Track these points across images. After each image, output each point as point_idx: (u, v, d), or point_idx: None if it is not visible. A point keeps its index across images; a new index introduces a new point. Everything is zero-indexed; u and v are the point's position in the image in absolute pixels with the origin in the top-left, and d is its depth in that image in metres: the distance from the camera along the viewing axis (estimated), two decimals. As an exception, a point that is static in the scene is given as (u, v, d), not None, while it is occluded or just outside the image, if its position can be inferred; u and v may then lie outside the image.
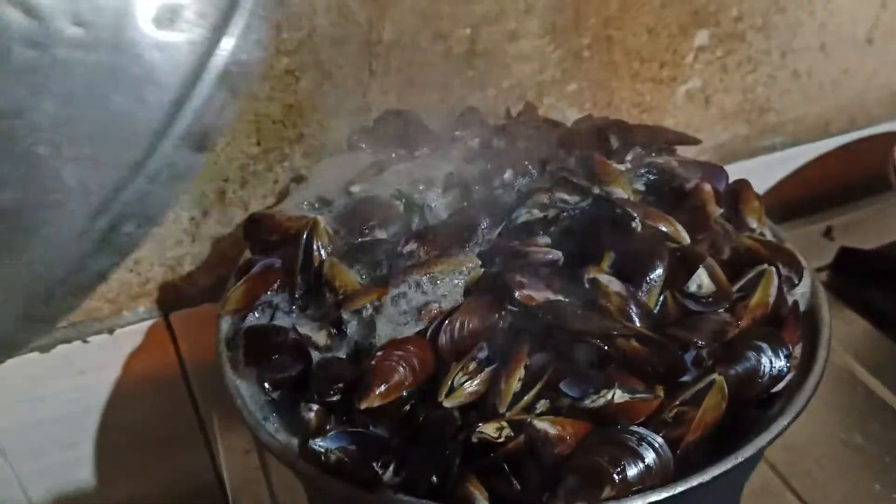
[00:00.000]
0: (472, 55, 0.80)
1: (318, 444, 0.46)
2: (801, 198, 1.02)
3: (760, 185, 1.01)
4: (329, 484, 0.45)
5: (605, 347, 0.46)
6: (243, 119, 0.74)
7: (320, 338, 0.51)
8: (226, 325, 0.56)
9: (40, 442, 0.82)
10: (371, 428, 0.47)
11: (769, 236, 0.62)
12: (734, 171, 0.97)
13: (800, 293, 0.57)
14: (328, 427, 0.47)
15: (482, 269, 0.51)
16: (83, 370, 0.79)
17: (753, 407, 0.49)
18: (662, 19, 0.86)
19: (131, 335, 0.80)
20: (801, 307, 0.56)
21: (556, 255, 0.51)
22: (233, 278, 0.59)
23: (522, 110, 0.73)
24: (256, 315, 0.55)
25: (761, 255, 0.56)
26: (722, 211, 0.61)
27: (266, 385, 0.50)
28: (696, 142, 0.65)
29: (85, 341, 0.78)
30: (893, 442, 0.74)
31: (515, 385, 0.44)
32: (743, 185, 0.62)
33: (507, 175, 0.58)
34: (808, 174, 1.03)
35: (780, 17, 0.91)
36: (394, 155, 0.63)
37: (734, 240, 0.58)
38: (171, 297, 0.80)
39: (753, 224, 0.59)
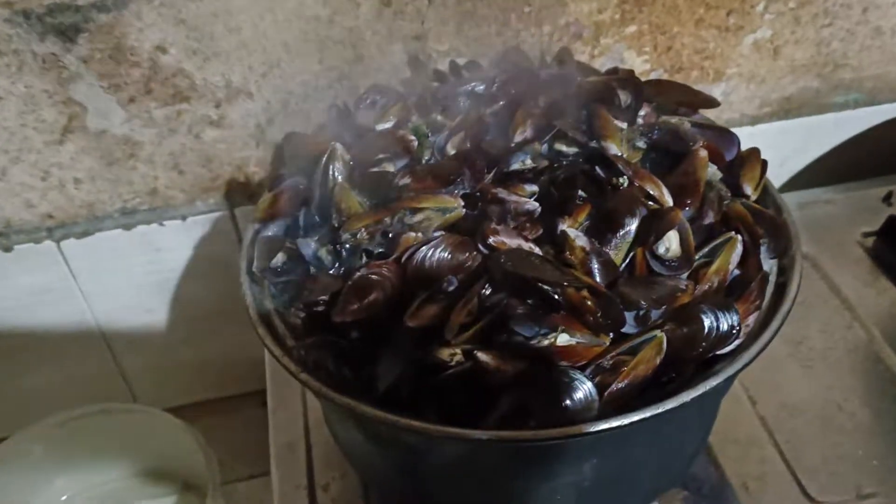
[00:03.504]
0: (529, -9, 0.82)
1: (301, 348, 0.54)
2: (867, 159, 1.00)
3: (825, 142, 1.00)
4: (306, 382, 0.53)
5: (555, 296, 0.51)
6: (307, 38, 0.80)
7: (322, 254, 0.58)
8: (252, 230, 0.64)
9: (123, 306, 0.94)
10: (345, 337, 0.54)
11: (772, 205, 0.64)
12: (801, 126, 0.98)
13: (781, 266, 0.59)
14: (311, 333, 0.55)
15: (464, 211, 0.56)
16: (159, 248, 0.91)
17: (694, 366, 0.53)
18: (732, -34, 0.85)
19: (202, 223, 0.90)
20: (781, 277, 0.59)
21: (533, 205, 0.55)
22: (266, 189, 0.67)
23: (557, 55, 0.76)
24: (276, 226, 0.63)
25: (746, 223, 0.59)
26: (722, 176, 0.63)
27: (270, 288, 0.58)
28: (713, 104, 0.67)
29: (161, 224, 0.89)
30: (889, 412, 0.76)
31: (464, 317, 0.50)
32: (751, 152, 0.64)
33: (516, 124, 0.61)
34: (879, 135, 1.00)
35: (865, -29, 0.88)
36: (424, 95, 0.67)
37: (727, 205, 0.61)
38: (238, 193, 0.89)
39: (749, 191, 0.61)
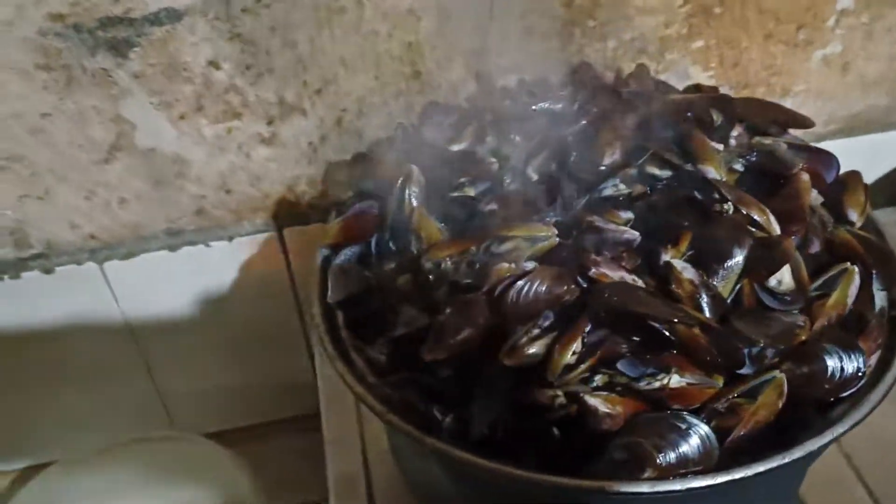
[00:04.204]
0: (594, 5, 0.79)
1: (385, 385, 0.50)
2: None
3: (892, 161, 0.96)
4: (393, 423, 0.49)
5: (666, 333, 0.47)
6: (364, 54, 0.77)
7: (401, 282, 0.55)
8: (321, 256, 0.60)
9: (165, 329, 0.91)
10: (434, 375, 0.50)
11: (874, 231, 0.60)
12: (866, 143, 0.94)
13: (890, 297, 0.55)
14: (396, 369, 0.51)
15: (557, 239, 0.52)
16: (204, 270, 0.87)
17: (816, 409, 0.49)
18: (806, -21, 0.81)
19: (248, 244, 0.87)
20: (891, 310, 0.55)
21: (633, 235, 0.52)
22: (333, 213, 0.64)
23: (634, 72, 0.72)
24: (349, 253, 0.59)
25: (854, 252, 0.55)
26: (823, 201, 0.60)
27: (342, 321, 0.54)
28: (809, 124, 0.63)
29: (208, 245, 0.85)
30: None
31: (568, 357, 0.47)
32: (852, 175, 0.61)
33: (603, 145, 0.58)
34: (949, 154, 0.96)
35: (942, -16, 0.84)
36: (497, 114, 0.64)
37: (830, 232, 0.57)
38: (286, 214, 0.86)
39: (854, 217, 0.58)
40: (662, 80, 0.75)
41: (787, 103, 0.90)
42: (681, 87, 0.85)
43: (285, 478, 0.95)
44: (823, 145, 0.92)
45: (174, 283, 0.87)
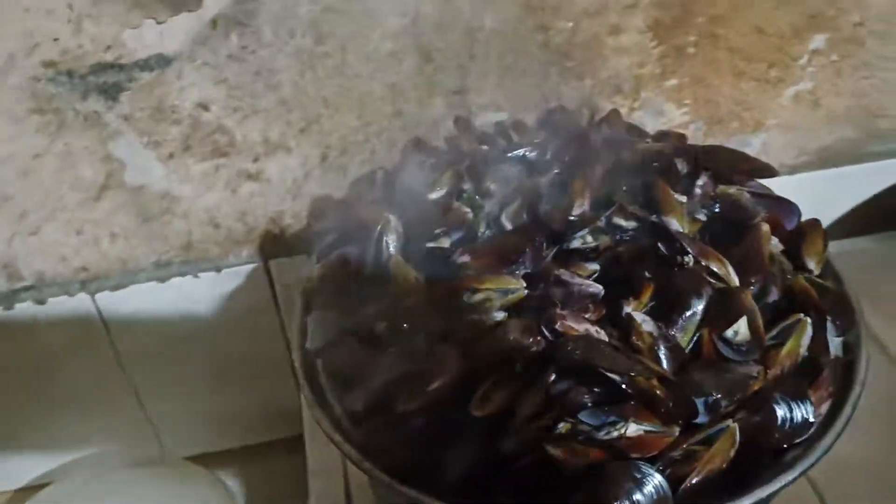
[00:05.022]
0: (570, 46, 0.81)
1: (362, 432, 0.53)
2: (905, 209, 0.99)
3: (863, 192, 0.99)
4: (369, 471, 0.51)
5: (624, 386, 0.49)
6: (347, 94, 0.79)
7: (379, 329, 0.57)
8: (300, 303, 0.63)
9: (154, 357, 0.93)
10: (409, 423, 0.53)
11: (832, 276, 0.63)
12: (837, 175, 0.97)
13: (845, 342, 0.58)
14: (373, 417, 0.54)
15: (526, 292, 0.55)
16: (193, 300, 0.90)
17: (769, 455, 0.52)
18: (774, 21, 0.84)
19: (235, 275, 0.89)
20: (846, 356, 0.58)
21: (597, 288, 0.54)
22: (315, 256, 0.66)
23: (606, 117, 0.75)
24: (328, 298, 0.61)
25: (811, 300, 0.58)
26: (783, 248, 0.62)
27: (322, 366, 0.57)
28: (773, 173, 0.66)
29: (196, 276, 0.88)
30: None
31: (533, 407, 0.49)
32: (812, 224, 0.63)
33: (573, 195, 0.60)
34: (917, 184, 0.99)
35: (906, 25, 0.87)
36: (475, 160, 0.66)
37: (790, 279, 0.60)
38: (272, 246, 0.88)
39: (811, 266, 0.61)
40: (634, 123, 0.78)
41: (760, 137, 0.92)
42: (656, 123, 0.89)
43: (271, 498, 0.98)
44: (797, 177, 0.97)
45: (163, 312, 0.90)
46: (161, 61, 0.73)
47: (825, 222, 0.99)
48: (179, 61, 0.73)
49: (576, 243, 0.58)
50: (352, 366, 0.56)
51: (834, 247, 0.98)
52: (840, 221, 1.00)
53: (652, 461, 0.49)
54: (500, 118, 0.83)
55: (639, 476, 0.48)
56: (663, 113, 0.88)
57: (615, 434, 0.49)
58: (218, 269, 0.88)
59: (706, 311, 0.55)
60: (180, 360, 0.94)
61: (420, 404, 0.52)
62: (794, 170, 0.96)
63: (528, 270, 0.56)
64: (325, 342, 0.58)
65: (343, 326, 0.58)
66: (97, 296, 0.87)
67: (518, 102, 0.84)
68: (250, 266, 0.89)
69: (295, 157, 0.82)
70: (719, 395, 0.50)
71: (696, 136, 0.91)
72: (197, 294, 0.89)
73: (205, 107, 0.77)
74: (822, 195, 0.99)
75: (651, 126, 0.88)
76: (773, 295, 0.58)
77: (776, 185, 0.94)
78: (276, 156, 0.82)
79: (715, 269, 0.56)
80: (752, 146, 0.92)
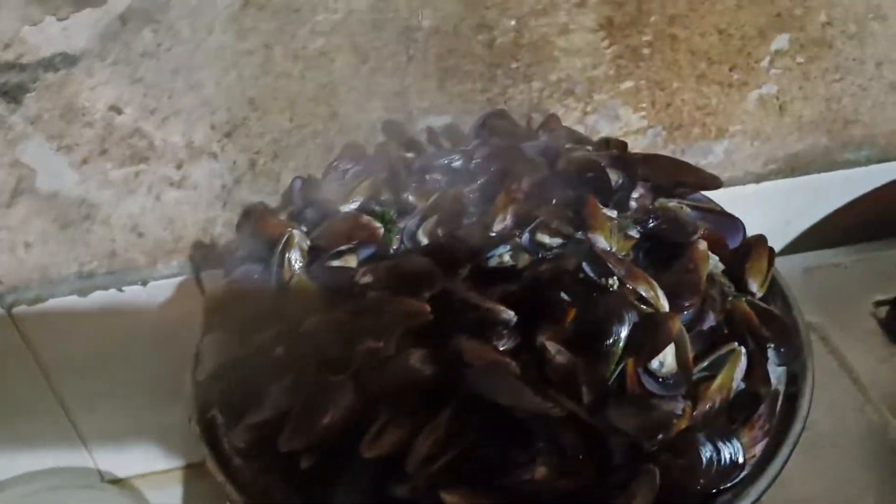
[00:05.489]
0: (517, 46, 0.76)
1: (249, 471, 0.48)
2: (879, 219, 0.93)
3: (834, 201, 0.94)
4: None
5: (532, 426, 0.44)
6: (276, 95, 0.74)
7: (274, 355, 0.52)
8: (203, 319, 0.58)
9: (81, 373, 0.88)
10: (293, 463, 0.48)
11: (779, 299, 0.58)
12: (807, 184, 0.92)
13: (790, 372, 0.53)
14: (259, 455, 0.48)
15: (432, 316, 0.50)
16: (119, 315, 0.84)
17: (696, 502, 0.47)
18: (736, 20, 0.79)
19: (164, 288, 0.84)
20: (789, 388, 0.53)
21: (509, 315, 0.49)
22: (224, 271, 0.61)
23: (544, 123, 0.69)
24: (230, 321, 0.56)
25: (751, 326, 0.53)
26: (724, 268, 0.57)
27: (217, 397, 0.51)
28: (716, 185, 0.60)
29: (121, 290, 0.83)
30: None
31: (428, 448, 0.44)
32: (757, 240, 0.58)
33: (495, 210, 0.55)
34: (891, 193, 0.93)
35: (878, 25, 0.81)
36: (396, 169, 0.61)
37: (729, 303, 0.55)
38: (203, 256, 0.83)
39: (754, 288, 0.55)
40: (576, 130, 0.73)
41: (723, 144, 0.87)
42: (612, 128, 0.84)
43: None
44: (763, 186, 0.91)
45: (87, 328, 0.84)
46: (67, 60, 0.68)
47: (794, 233, 0.95)
48: (88, 59, 0.68)
49: (492, 262, 0.53)
50: (241, 397, 0.51)
51: (804, 259, 0.93)
52: (810, 233, 0.95)
53: (561, 510, 0.44)
54: (443, 122, 0.78)
55: (544, 527, 0.43)
56: (619, 117, 0.83)
57: (524, 477, 0.44)
58: (144, 283, 0.83)
59: (630, 338, 0.49)
60: (108, 378, 0.89)
61: (307, 442, 0.46)
62: (760, 178, 0.90)
63: (436, 293, 0.51)
64: (216, 370, 0.52)
65: (237, 352, 0.53)
66: (15, 311, 0.81)
67: (462, 106, 0.78)
68: (180, 278, 0.84)
69: (222, 163, 0.77)
70: (636, 437, 0.45)
71: (656, 142, 0.85)
72: (123, 309, 0.84)
73: (119, 108, 0.71)
74: (791, 205, 0.93)
75: (607, 132, 0.83)
76: (710, 321, 0.52)
77: (741, 195, 0.90)
78: (201, 161, 0.76)
79: (643, 293, 0.51)
80: (715, 153, 0.87)
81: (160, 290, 0.84)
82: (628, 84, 0.81)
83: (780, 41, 0.81)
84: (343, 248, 0.54)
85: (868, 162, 0.92)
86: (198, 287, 0.85)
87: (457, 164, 0.62)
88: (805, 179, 0.91)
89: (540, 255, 0.54)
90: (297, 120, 0.77)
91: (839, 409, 0.78)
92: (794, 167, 0.91)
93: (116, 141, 0.73)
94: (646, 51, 0.79)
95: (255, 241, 0.59)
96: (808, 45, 0.82)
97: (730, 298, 0.55)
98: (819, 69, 0.84)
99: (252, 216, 0.61)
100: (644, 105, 0.83)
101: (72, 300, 0.82)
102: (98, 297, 0.83)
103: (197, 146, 0.75)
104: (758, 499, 0.47)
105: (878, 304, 0.87)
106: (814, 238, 0.95)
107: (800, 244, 0.96)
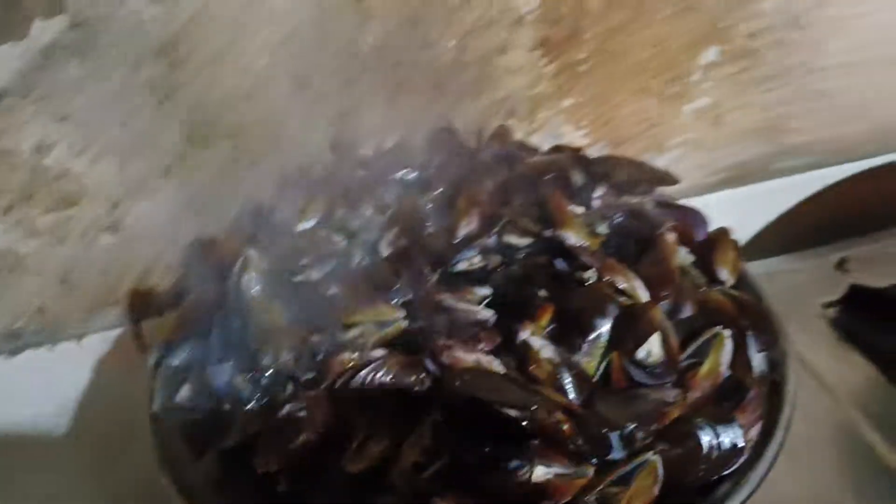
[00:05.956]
0: (461, 66, 0.76)
1: (221, 500, 0.43)
2: (818, 224, 0.95)
3: (776, 209, 0.95)
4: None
5: (524, 422, 0.42)
6: (214, 125, 0.71)
7: (240, 382, 0.48)
8: (154, 356, 0.54)
9: (17, 435, 0.81)
10: (273, 486, 0.44)
11: (749, 288, 0.57)
12: (751, 192, 0.93)
13: (770, 360, 0.52)
14: (231, 482, 0.44)
15: (405, 322, 0.47)
16: (52, 375, 0.78)
17: (697, 491, 0.45)
18: (668, 34, 0.80)
19: (100, 342, 0.78)
20: (772, 374, 0.51)
21: (486, 314, 0.47)
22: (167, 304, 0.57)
23: (494, 134, 0.69)
24: (184, 350, 0.52)
25: (728, 314, 0.52)
26: (694, 260, 0.56)
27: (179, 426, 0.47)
28: (674, 181, 0.60)
29: (52, 348, 0.77)
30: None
31: (415, 457, 0.41)
32: (721, 233, 0.57)
33: (458, 214, 0.53)
34: (829, 199, 0.95)
35: (800, 35, 0.84)
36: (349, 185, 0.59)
37: (701, 294, 0.53)
38: (141, 306, 0.78)
39: (724, 276, 0.55)
40: (524, 140, 0.72)
41: (666, 157, 0.88)
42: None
43: None
44: (709, 197, 0.92)
45: (17, 391, 0.78)
46: (-11, 98, 0.64)
47: (741, 243, 0.95)
48: (10, 97, 0.64)
49: (461, 266, 0.51)
50: (205, 425, 0.47)
51: (750, 269, 0.94)
52: (754, 241, 0.96)
53: (564, 510, 0.41)
54: (391, 142, 0.76)
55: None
56: (562, 136, 0.83)
57: (521, 479, 0.41)
58: (79, 338, 0.78)
59: (613, 331, 0.47)
60: (47, 439, 0.82)
61: (283, 463, 0.43)
62: (707, 189, 0.91)
63: (408, 298, 0.48)
64: (176, 400, 0.48)
65: (196, 380, 0.49)
66: (-65, 376, 0.75)
67: (408, 126, 0.77)
68: (117, 331, 0.78)
69: (159, 202, 0.73)
70: (634, 426, 0.42)
71: (601, 158, 0.85)
72: (56, 368, 0.78)
73: (46, 148, 0.67)
74: (735, 215, 0.94)
75: (551, 150, 0.83)
76: (687, 310, 0.51)
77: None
78: (137, 201, 0.72)
79: (620, 285, 0.49)
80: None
81: (95, 344, 0.78)
82: (569, 101, 0.81)
83: (711, 54, 0.83)
84: (304, 262, 0.51)
85: (806, 169, 0.94)
86: (136, 339, 0.80)
87: (412, 175, 0.60)
88: (748, 189, 0.92)
89: (509, 257, 0.52)
90: (239, 148, 0.74)
91: (811, 412, 0.77)
92: (736, 177, 0.92)
93: (44, 185, 0.69)
94: (583, 67, 0.80)
95: (205, 271, 0.56)
96: (738, 57, 0.84)
97: (702, 289, 0.54)
98: (750, 79, 0.86)
99: (200, 246, 0.57)
100: (585, 122, 0.83)
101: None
102: (27, 357, 0.76)
103: (132, 185, 0.71)
104: (759, 483, 0.45)
105: (826, 305, 0.88)
106: (758, 246, 0.96)
107: (746, 253, 0.96)
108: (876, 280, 0.87)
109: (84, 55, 0.65)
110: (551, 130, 0.82)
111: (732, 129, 0.89)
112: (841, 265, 0.92)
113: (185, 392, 0.49)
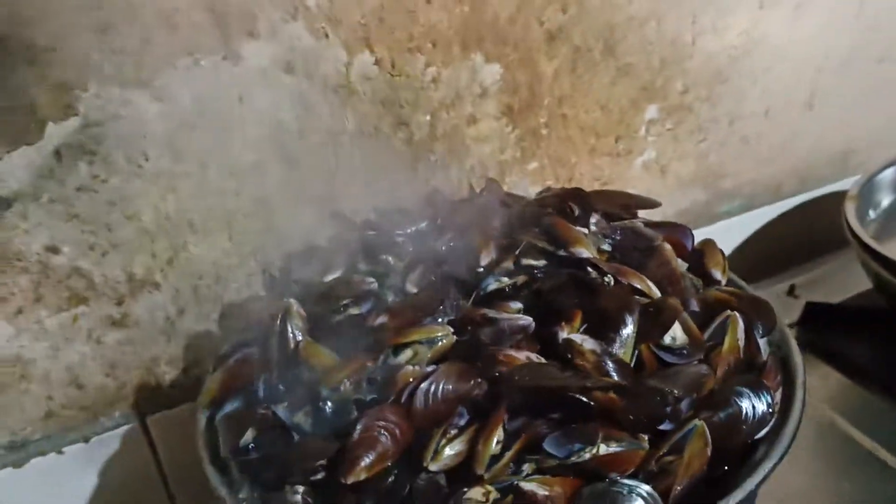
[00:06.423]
0: (432, 140, 0.82)
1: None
2: (763, 259, 1.04)
3: (723, 249, 1.03)
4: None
5: (584, 401, 0.46)
6: (213, 215, 0.75)
7: (299, 418, 0.51)
8: (204, 417, 0.55)
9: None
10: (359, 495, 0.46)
11: (737, 287, 0.63)
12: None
13: (772, 340, 0.58)
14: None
15: (454, 338, 0.51)
16: (59, 482, 0.77)
17: (738, 454, 0.49)
18: (613, 96, 0.89)
19: (108, 441, 0.78)
20: (775, 353, 0.57)
21: (527, 320, 0.51)
22: (210, 372, 0.59)
23: (486, 186, 0.75)
24: (234, 405, 0.54)
25: (730, 305, 0.58)
26: (688, 266, 0.63)
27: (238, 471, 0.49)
28: (655, 204, 0.67)
29: (60, 452, 0.76)
30: (880, 489, 0.74)
31: (493, 447, 0.45)
32: (707, 242, 0.65)
33: (477, 248, 0.58)
34: (766, 235, 1.06)
35: (723, 88, 0.95)
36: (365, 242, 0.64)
37: (703, 293, 0.60)
38: (148, 400, 0.79)
39: (718, 276, 0.61)
40: (512, 192, 0.79)
41: (622, 209, 0.96)
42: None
43: None
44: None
45: (26, 500, 0.76)
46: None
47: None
48: (22, 201, 0.67)
49: (492, 286, 0.55)
50: (280, 460, 0.49)
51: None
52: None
53: (631, 477, 0.45)
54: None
55: (625, 492, 0.44)
56: (530, 195, 0.89)
57: (587, 456, 0.45)
58: (86, 439, 0.77)
59: (639, 325, 0.53)
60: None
61: (369, 473, 0.45)
62: (658, 236, 0.99)
63: (451, 317, 0.53)
64: (241, 443, 0.50)
65: (260, 422, 0.51)
66: (-62, 496, 0.73)
67: (389, 200, 0.82)
68: (124, 428, 0.79)
69: (164, 293, 0.76)
70: (679, 394, 0.47)
71: (565, 216, 0.93)
72: (64, 472, 0.77)
73: (55, 249, 0.69)
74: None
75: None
76: (693, 306, 0.57)
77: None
78: (143, 294, 0.75)
79: (637, 286, 0.55)
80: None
81: (103, 444, 0.78)
82: (533, 164, 0.89)
83: (651, 111, 0.92)
84: (345, 302, 0.55)
85: (741, 211, 1.04)
86: (144, 434, 0.80)
87: (422, 227, 0.65)
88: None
89: (532, 275, 0.57)
90: (235, 238, 0.77)
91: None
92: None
93: (53, 285, 0.71)
94: (543, 131, 0.88)
95: (244, 326, 0.58)
96: (673, 112, 0.94)
97: (700, 290, 0.60)
98: (685, 132, 0.96)
99: (235, 306, 0.60)
100: (549, 182, 0.91)
101: (5, 474, 0.74)
102: (34, 466, 0.75)
103: (138, 278, 0.74)
104: (791, 440, 0.50)
105: (790, 325, 0.95)
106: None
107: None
108: (824, 299, 0.96)
109: (92, 154, 0.68)
110: (519, 192, 0.89)
111: (675, 178, 0.98)
112: (791, 291, 1.00)
113: (248, 436, 0.51)
